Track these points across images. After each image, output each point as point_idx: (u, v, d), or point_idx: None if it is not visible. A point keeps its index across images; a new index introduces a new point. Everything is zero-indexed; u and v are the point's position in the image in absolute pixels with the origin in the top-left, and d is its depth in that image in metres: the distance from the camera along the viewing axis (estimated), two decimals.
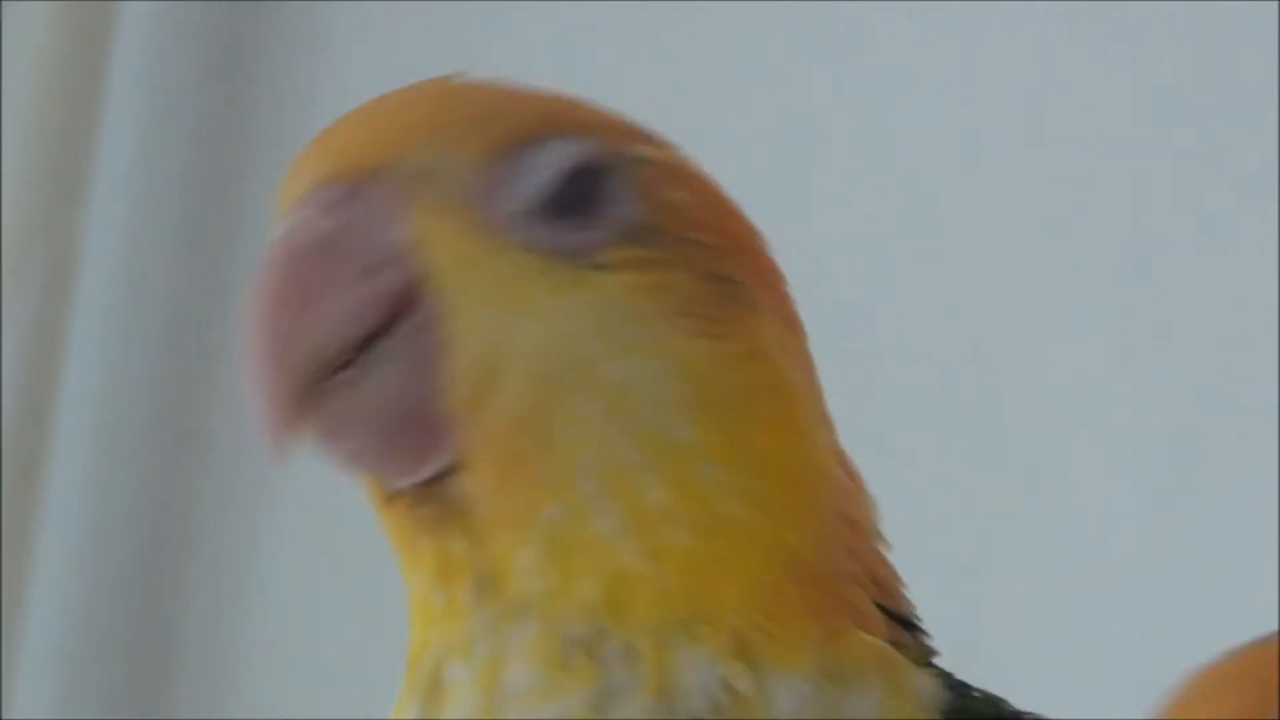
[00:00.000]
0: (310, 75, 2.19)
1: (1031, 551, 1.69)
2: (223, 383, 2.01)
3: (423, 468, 0.72)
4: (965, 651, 0.84)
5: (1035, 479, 1.71)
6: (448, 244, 0.71)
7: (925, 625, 0.79)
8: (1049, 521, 1.71)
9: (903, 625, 0.77)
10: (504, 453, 0.71)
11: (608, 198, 0.73)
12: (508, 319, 0.71)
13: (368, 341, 0.69)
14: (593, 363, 0.72)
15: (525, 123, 0.74)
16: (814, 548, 0.75)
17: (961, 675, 0.79)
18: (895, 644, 0.75)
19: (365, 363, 0.69)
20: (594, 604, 0.73)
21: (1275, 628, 0.86)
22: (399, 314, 0.70)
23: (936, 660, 0.78)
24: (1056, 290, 1.76)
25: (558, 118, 0.74)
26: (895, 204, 1.84)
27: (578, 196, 0.73)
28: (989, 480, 1.72)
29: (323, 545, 1.95)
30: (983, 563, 1.70)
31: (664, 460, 0.73)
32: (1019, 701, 0.82)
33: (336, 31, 2.22)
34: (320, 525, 1.90)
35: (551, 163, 0.73)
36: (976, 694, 0.80)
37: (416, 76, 0.80)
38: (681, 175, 0.76)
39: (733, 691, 0.73)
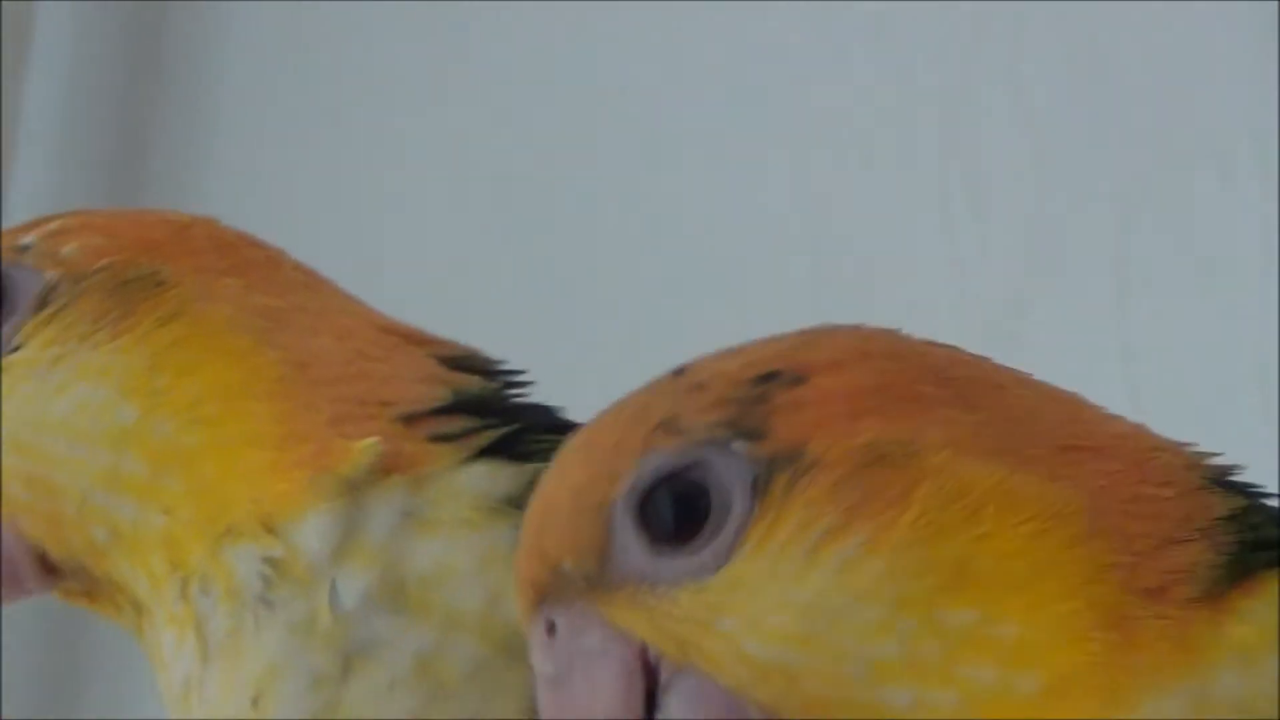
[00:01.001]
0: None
1: None
2: None
3: (22, 576, 0.94)
4: None
5: None
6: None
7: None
8: None
9: (469, 410, 0.92)
10: (43, 522, 0.94)
11: (7, 293, 0.92)
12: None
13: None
14: (40, 418, 0.93)
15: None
16: (275, 421, 0.91)
17: None
18: (434, 440, 0.91)
19: None
20: (166, 567, 0.93)
21: None
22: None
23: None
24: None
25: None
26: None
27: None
28: None
29: None
30: None
31: (128, 444, 0.93)
32: None
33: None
34: None
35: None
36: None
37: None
38: (69, 230, 0.94)
39: (271, 560, 0.90)
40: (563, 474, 0.83)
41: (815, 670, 0.78)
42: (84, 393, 0.92)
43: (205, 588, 0.92)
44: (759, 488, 0.77)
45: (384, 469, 0.91)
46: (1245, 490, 0.80)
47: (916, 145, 1.85)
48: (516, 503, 0.89)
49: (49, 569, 0.94)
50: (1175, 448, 0.80)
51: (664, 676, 0.78)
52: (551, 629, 0.79)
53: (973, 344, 0.89)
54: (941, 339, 0.87)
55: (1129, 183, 1.75)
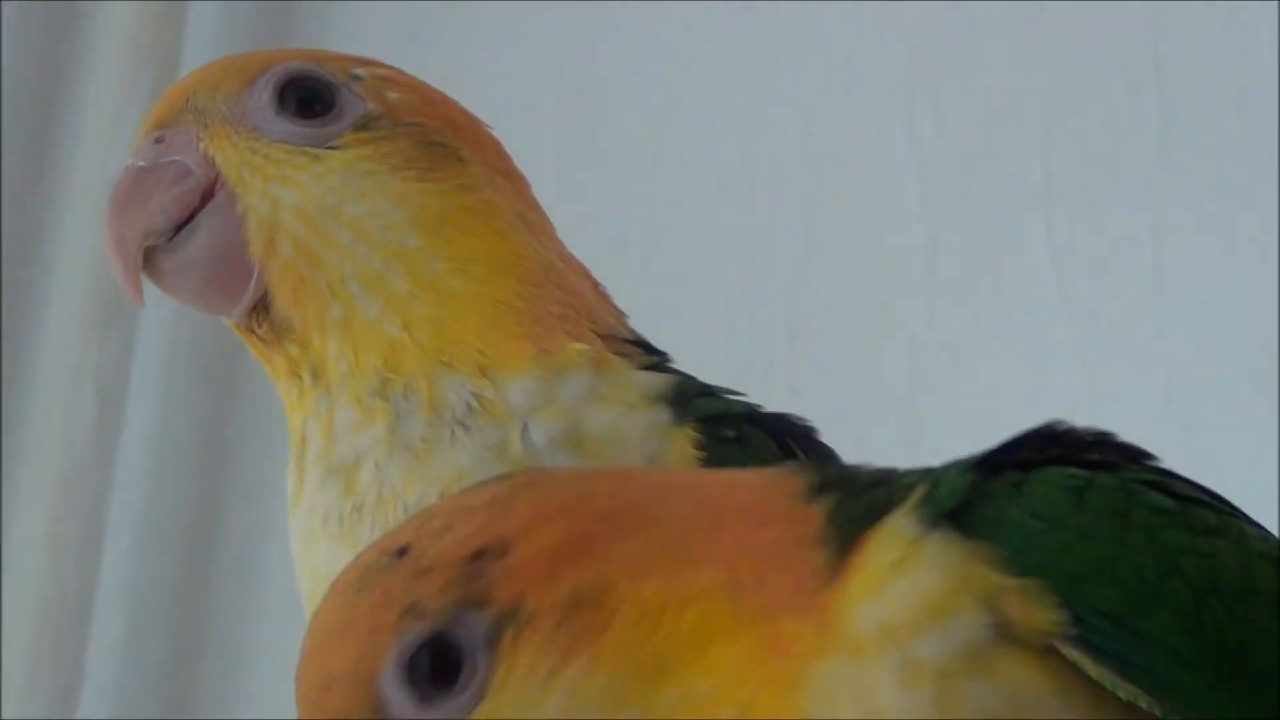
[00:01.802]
0: None
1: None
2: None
3: (241, 301, 1.00)
4: None
5: None
6: (228, 151, 1.00)
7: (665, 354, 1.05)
8: None
9: (642, 350, 1.04)
10: (292, 280, 1.00)
11: (337, 101, 1.01)
12: (278, 189, 1.01)
13: (183, 226, 0.99)
14: (338, 207, 1.00)
15: (261, 62, 1.02)
16: (521, 300, 1.02)
17: None
18: (618, 355, 1.03)
19: (184, 235, 0.99)
20: (378, 366, 1.01)
21: None
22: (205, 202, 0.99)
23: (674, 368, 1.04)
24: None
25: (284, 54, 1.02)
26: None
27: (309, 103, 1.01)
28: None
29: None
30: None
31: (400, 262, 1.02)
32: None
33: None
34: None
35: (272, 80, 1.01)
36: (720, 391, 1.06)
37: None
38: (396, 82, 1.04)
39: (480, 396, 1.01)
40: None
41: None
42: (383, 206, 1.01)
43: (408, 395, 1.00)
44: (492, 642, 0.83)
45: (582, 361, 1.02)
46: (832, 474, 0.90)
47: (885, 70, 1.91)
48: (666, 399, 1.03)
49: (258, 311, 1.01)
50: (786, 478, 0.89)
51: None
52: (159, 139, 1.00)
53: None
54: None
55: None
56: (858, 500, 0.87)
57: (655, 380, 1.03)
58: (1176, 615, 0.85)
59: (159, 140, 1.00)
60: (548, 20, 2.16)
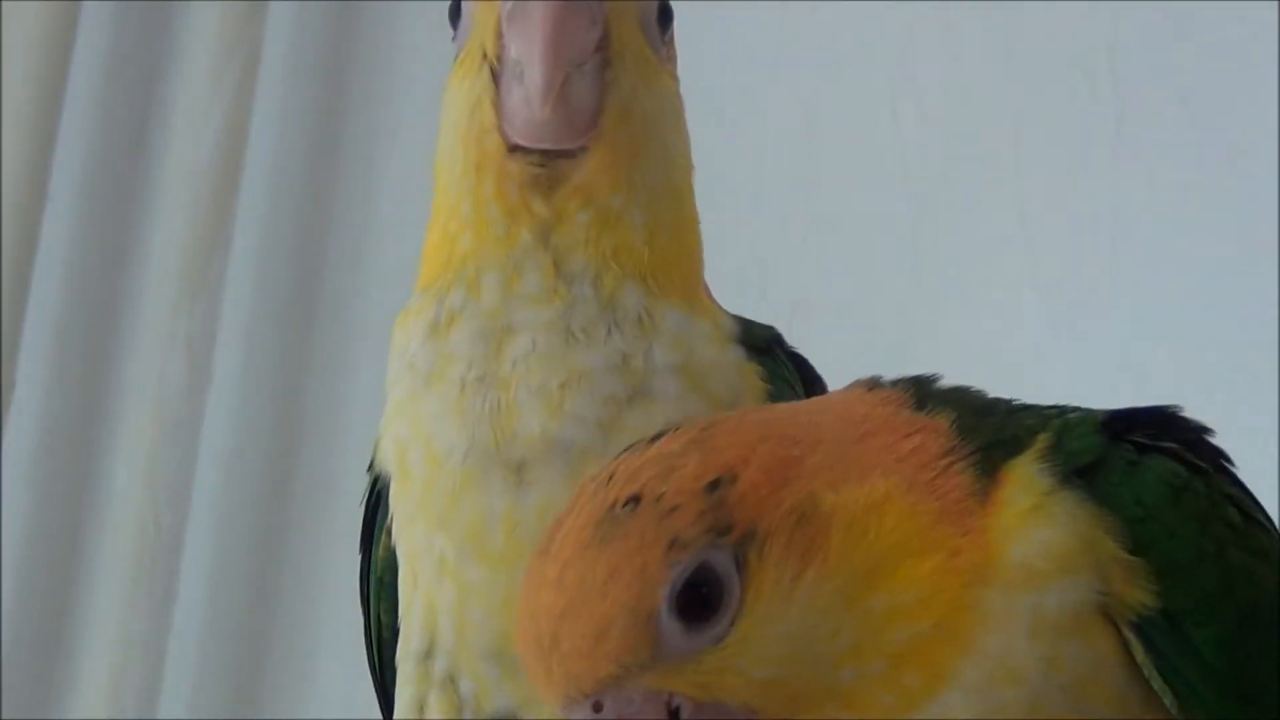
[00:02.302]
0: None
1: None
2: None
3: (573, 138, 0.99)
4: None
5: None
6: (626, 37, 1.02)
7: None
8: None
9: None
10: (614, 156, 1.00)
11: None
12: (642, 88, 1.02)
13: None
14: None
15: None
16: (697, 267, 1.04)
17: None
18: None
19: (573, 76, 0.98)
20: (597, 255, 1.00)
21: None
22: (596, 53, 0.99)
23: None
24: None
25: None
26: None
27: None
28: None
29: None
30: None
31: (676, 202, 1.04)
32: None
33: None
34: None
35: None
36: (758, 325, 1.08)
37: None
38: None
39: (647, 311, 1.01)
40: (594, 598, 0.83)
41: (798, 675, 0.83)
42: (678, 147, 1.07)
43: (597, 286, 1.01)
44: (739, 564, 0.82)
45: (708, 308, 1.05)
46: (932, 393, 0.90)
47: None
48: (739, 339, 1.05)
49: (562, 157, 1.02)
50: (875, 391, 0.90)
51: (684, 715, 0.82)
52: (598, 707, 0.82)
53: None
54: None
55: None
56: (980, 421, 0.88)
57: (732, 324, 1.04)
58: (1222, 634, 0.85)
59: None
60: None
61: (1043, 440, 0.86)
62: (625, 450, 0.86)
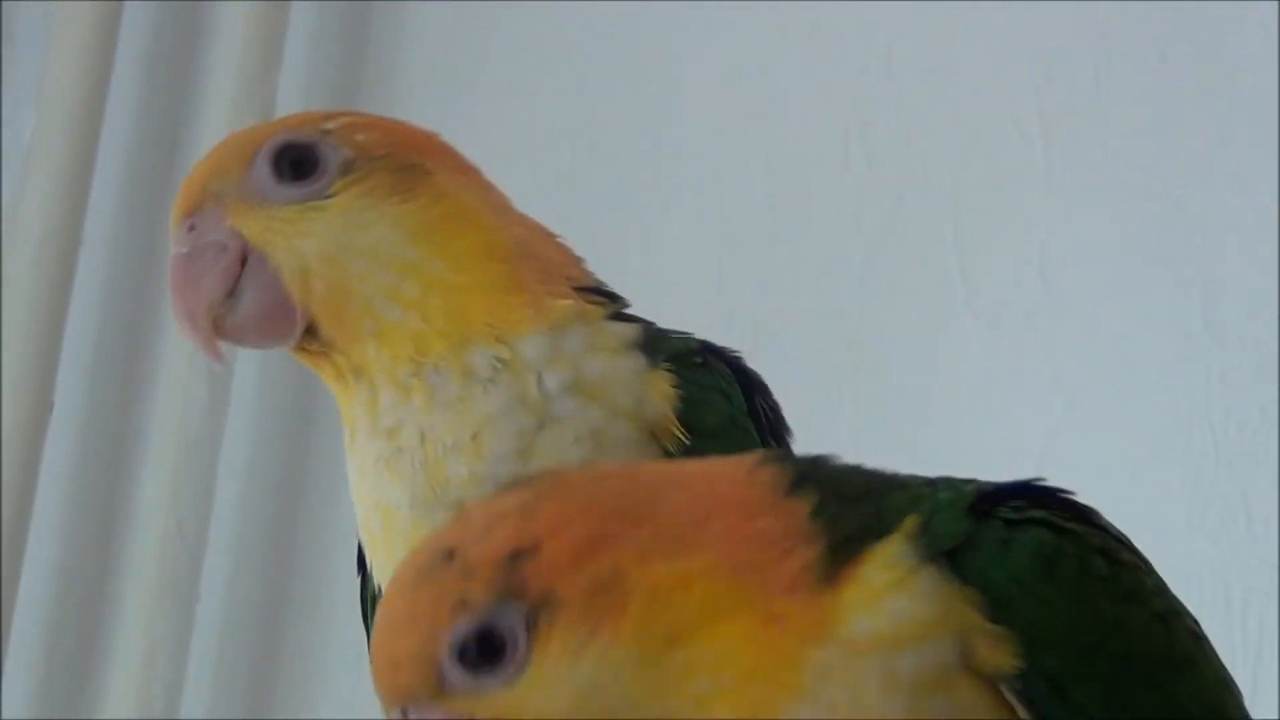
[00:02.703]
0: None
1: None
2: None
3: (293, 334, 0.99)
4: None
5: None
6: (249, 223, 1.00)
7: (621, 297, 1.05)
8: None
9: (604, 297, 1.04)
10: (330, 309, 0.99)
11: (320, 159, 1.00)
12: (300, 243, 1.00)
13: (233, 290, 0.99)
14: (349, 244, 0.99)
15: (252, 142, 1.01)
16: (508, 277, 1.01)
17: None
18: (590, 304, 1.02)
19: (235, 298, 0.98)
20: (410, 355, 1.00)
21: None
22: (242, 266, 0.99)
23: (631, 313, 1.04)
24: None
25: (266, 130, 1.00)
26: None
27: (299, 165, 1.00)
28: None
29: None
30: None
31: (409, 273, 1.01)
32: None
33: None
34: None
35: (265, 155, 1.01)
36: (670, 332, 1.05)
37: None
38: (360, 125, 1.03)
39: (499, 359, 1.01)
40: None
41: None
42: (385, 233, 1.00)
43: (439, 369, 1.00)
44: (530, 625, 0.82)
45: (572, 316, 1.03)
46: (816, 477, 0.87)
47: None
48: (639, 345, 1.03)
49: (308, 333, 1.01)
50: (759, 469, 0.87)
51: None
52: (192, 227, 0.99)
53: None
54: None
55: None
56: (845, 510, 0.87)
57: (627, 329, 1.04)
58: (1100, 688, 0.85)
59: (192, 228, 1.01)
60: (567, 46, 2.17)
61: (910, 523, 0.85)
62: (489, 494, 0.89)
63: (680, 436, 1.01)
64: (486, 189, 1.06)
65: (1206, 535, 1.57)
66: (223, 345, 0.99)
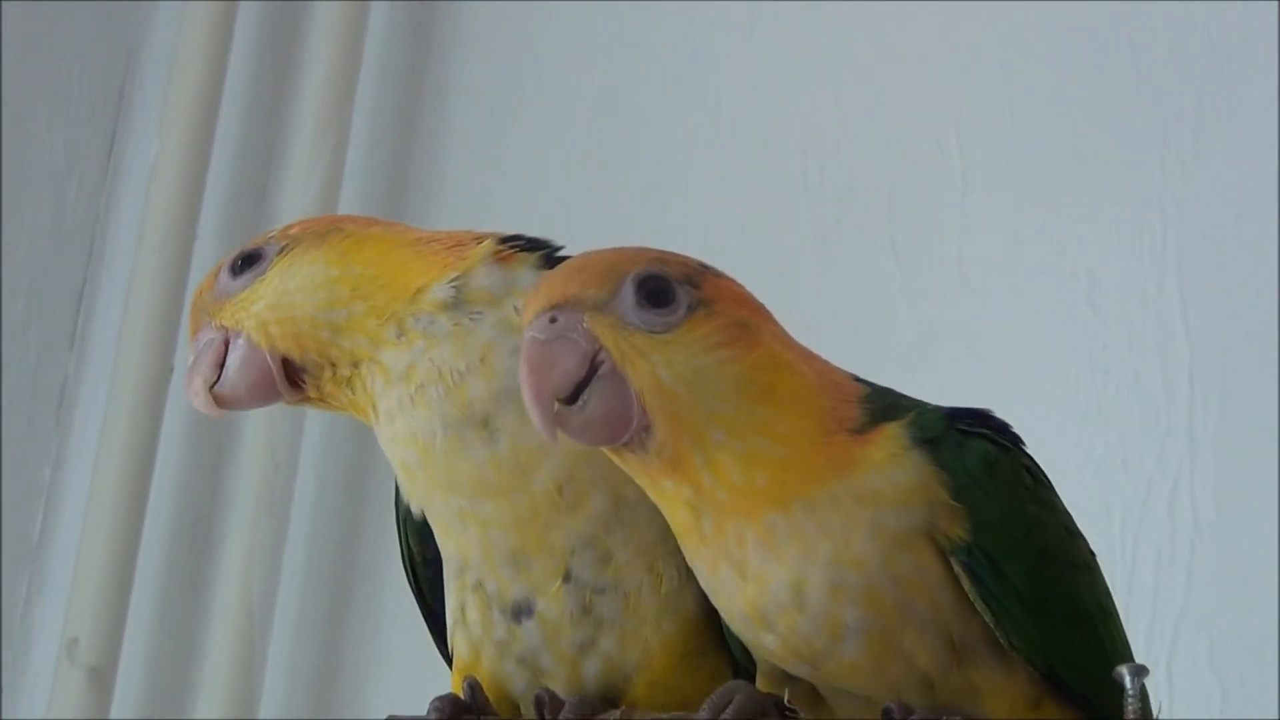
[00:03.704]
0: None
1: None
2: None
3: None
4: None
5: None
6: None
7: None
8: None
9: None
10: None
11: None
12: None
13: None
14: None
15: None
16: (416, 257, 1.00)
17: None
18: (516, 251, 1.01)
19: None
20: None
21: None
22: (594, 370, 0.90)
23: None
24: None
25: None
26: None
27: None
28: None
29: None
30: None
31: (335, 281, 1.00)
32: None
33: None
34: None
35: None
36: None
37: None
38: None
39: (458, 288, 0.98)
40: (597, 258, 0.93)
41: (691, 414, 0.89)
42: (306, 271, 1.01)
43: (417, 317, 1.00)
44: (692, 308, 0.88)
45: (496, 259, 1.02)
46: (876, 386, 0.95)
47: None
48: None
49: (293, 384, 1.02)
50: (849, 376, 0.95)
51: (601, 369, 0.89)
52: (553, 319, 0.90)
53: None
54: None
55: None
56: (878, 400, 0.92)
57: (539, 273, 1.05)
58: (1026, 569, 0.88)
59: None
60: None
61: (908, 417, 0.91)
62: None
63: None
64: (385, 223, 1.06)
65: (1092, 471, 1.58)
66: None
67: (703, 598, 0.97)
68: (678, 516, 0.93)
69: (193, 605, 1.98)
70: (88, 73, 2.18)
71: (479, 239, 1.05)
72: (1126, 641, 0.98)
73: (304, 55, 2.22)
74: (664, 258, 0.93)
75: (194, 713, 1.90)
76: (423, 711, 0.98)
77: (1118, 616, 0.97)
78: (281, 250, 1.03)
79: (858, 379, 0.95)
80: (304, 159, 2.13)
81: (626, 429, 0.91)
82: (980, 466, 0.90)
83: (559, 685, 1.00)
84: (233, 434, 2.06)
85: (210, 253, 2.13)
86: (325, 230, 1.04)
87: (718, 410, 0.89)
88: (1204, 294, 1.63)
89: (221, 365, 1.02)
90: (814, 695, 0.95)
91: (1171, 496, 1.55)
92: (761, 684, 0.97)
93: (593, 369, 0.90)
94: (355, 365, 1.01)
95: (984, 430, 0.93)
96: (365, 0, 2.19)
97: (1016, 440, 0.96)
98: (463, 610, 1.05)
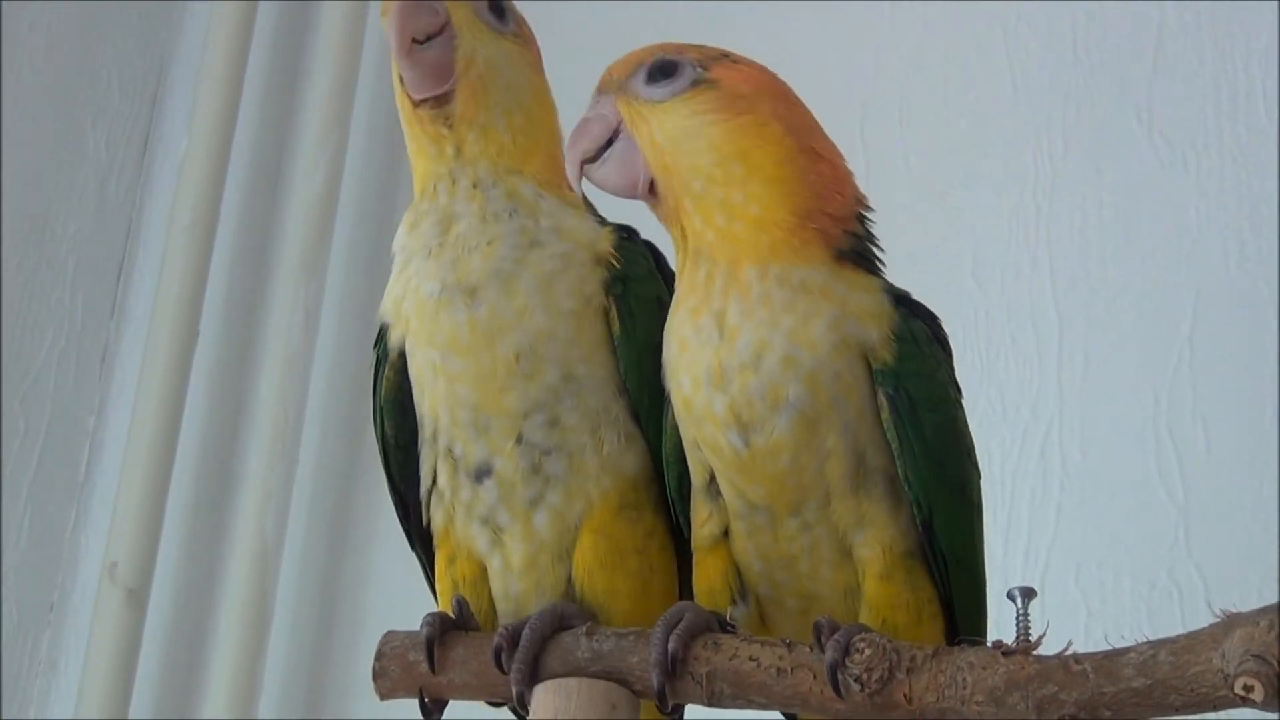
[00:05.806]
0: None
1: None
2: None
3: (437, 86, 1.03)
4: None
5: None
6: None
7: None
8: None
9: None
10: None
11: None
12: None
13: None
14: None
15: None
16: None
17: None
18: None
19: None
20: (492, 162, 1.03)
21: None
22: (614, 136, 1.02)
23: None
24: None
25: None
26: None
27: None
28: None
29: None
30: None
31: (525, 115, 1.06)
32: None
33: None
34: None
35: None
36: (610, 222, 1.12)
37: None
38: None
39: (536, 195, 1.05)
40: (635, 52, 1.01)
41: (676, 166, 0.96)
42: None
43: (500, 191, 1.03)
44: (695, 83, 0.94)
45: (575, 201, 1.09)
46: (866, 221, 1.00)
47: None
48: (592, 214, 1.08)
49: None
50: (845, 182, 0.99)
51: (619, 136, 1.00)
52: (598, 100, 1.01)
53: None
54: None
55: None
56: (862, 245, 0.97)
57: (587, 205, 1.09)
58: (934, 424, 0.92)
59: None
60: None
61: (884, 281, 0.98)
62: None
63: (615, 264, 1.06)
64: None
65: (976, 423, 1.39)
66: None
67: (639, 460, 1.02)
68: (683, 267, 1.00)
69: (216, 534, 2.02)
70: (126, 81, 2.22)
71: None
72: (983, 552, 1.01)
73: (310, 66, 2.21)
74: (683, 47, 1.00)
75: (217, 627, 1.94)
76: (415, 626, 1.00)
77: (983, 526, 0.99)
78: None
79: (861, 214, 0.98)
80: (310, 153, 2.12)
81: (636, 183, 1.00)
82: (923, 335, 0.95)
83: (515, 539, 1.01)
84: (249, 389, 2.08)
85: (231, 234, 2.14)
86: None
87: (698, 164, 0.95)
88: (1070, 271, 1.66)
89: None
90: (757, 618, 1.00)
91: (1044, 444, 1.58)
92: (697, 513, 0.99)
93: (616, 135, 1.00)
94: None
95: (923, 313, 0.99)
96: (365, 0, 2.18)
97: (940, 329, 1.01)
98: (434, 478, 1.06)
